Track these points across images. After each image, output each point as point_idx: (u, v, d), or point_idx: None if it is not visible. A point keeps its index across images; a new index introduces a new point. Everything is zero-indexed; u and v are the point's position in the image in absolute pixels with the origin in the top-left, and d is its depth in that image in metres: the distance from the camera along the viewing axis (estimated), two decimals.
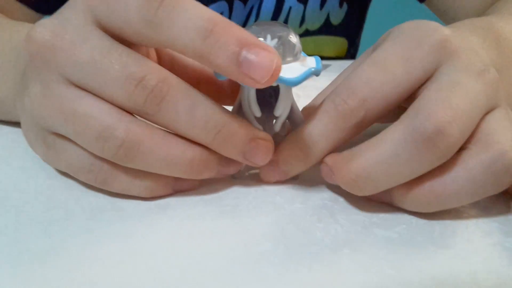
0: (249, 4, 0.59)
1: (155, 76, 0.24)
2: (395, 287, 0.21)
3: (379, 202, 0.27)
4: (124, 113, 0.24)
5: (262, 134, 0.27)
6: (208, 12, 0.23)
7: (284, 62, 0.25)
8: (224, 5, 0.58)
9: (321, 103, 0.27)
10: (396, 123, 0.24)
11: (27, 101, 0.26)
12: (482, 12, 0.50)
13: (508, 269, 0.22)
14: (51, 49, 0.24)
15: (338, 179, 0.26)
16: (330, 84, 0.33)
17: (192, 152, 0.25)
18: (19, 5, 0.53)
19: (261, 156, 0.26)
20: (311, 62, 0.27)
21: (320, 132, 0.26)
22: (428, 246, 0.24)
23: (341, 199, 0.28)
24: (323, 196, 0.28)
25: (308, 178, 0.30)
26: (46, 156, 0.28)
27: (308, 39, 0.60)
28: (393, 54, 0.26)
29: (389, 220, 0.26)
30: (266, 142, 0.27)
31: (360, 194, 0.25)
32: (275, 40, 0.25)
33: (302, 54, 0.27)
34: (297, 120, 0.29)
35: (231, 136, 0.25)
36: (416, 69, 0.25)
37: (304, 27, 0.60)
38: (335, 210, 0.27)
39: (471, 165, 0.24)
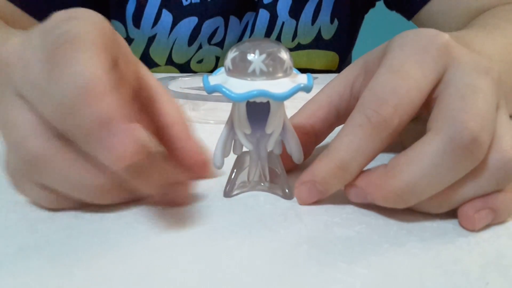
0: (244, 20, 0.62)
1: None
2: (344, 278, 0.23)
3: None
4: (48, 131, 0.25)
5: (182, 178, 0.28)
6: (88, 74, 0.23)
7: (274, 77, 0.26)
8: (220, 20, 0.61)
9: (350, 118, 0.27)
10: (429, 135, 0.25)
11: None
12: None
13: (454, 265, 0.24)
14: (9, 66, 0.26)
15: (377, 197, 0.26)
16: (318, 94, 0.33)
17: (103, 179, 0.26)
18: (31, 19, 0.56)
19: (177, 199, 0.28)
20: (302, 78, 0.27)
21: (357, 147, 0.26)
22: (382, 244, 0.26)
23: None
24: (293, 200, 0.30)
25: None
26: None
27: (301, 52, 0.63)
28: (408, 60, 0.26)
29: (350, 220, 0.28)
30: (183, 187, 0.28)
31: (403, 207, 0.26)
32: (263, 56, 0.26)
33: (295, 71, 0.28)
34: (290, 139, 0.30)
35: (150, 177, 0.26)
36: (430, 72, 0.26)
37: (296, 41, 0.62)
38: (302, 211, 0.29)
39: (481, 176, 0.26)
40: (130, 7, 0.61)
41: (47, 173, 0.25)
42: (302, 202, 0.29)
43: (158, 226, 0.27)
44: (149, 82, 0.29)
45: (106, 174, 0.26)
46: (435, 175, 0.25)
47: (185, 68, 0.64)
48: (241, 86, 0.26)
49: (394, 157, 0.26)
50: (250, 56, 0.26)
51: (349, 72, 0.32)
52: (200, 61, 0.63)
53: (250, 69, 0.26)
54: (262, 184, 0.31)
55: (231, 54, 0.27)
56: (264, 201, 0.30)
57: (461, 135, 0.24)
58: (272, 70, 0.26)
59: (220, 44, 0.63)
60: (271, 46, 0.27)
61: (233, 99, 0.26)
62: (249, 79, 0.26)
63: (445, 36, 0.27)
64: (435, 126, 0.25)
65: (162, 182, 0.27)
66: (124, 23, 0.62)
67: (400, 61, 0.27)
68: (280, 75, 0.26)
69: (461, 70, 0.26)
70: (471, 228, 0.27)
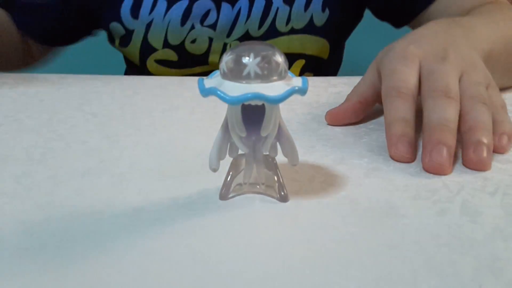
0: (236, 6, 0.65)
1: None
2: (338, 280, 0.23)
3: None
4: None
5: None
6: None
7: (269, 80, 0.26)
8: (210, 4, 0.65)
9: (385, 102, 0.38)
10: (426, 102, 0.38)
11: None
12: None
13: (448, 267, 0.24)
14: None
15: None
16: (364, 78, 0.44)
17: None
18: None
19: None
20: (297, 81, 0.27)
21: (400, 109, 0.37)
22: (377, 246, 0.26)
23: (305, 204, 0.30)
24: (288, 203, 0.30)
25: None
26: None
27: (294, 36, 0.66)
28: (397, 65, 0.40)
29: (345, 223, 0.28)
30: None
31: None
32: (258, 59, 0.26)
33: (290, 74, 0.28)
34: (285, 142, 0.30)
35: None
36: (413, 67, 0.39)
37: (290, 25, 0.66)
38: (297, 213, 0.29)
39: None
40: (127, 3, 0.66)
41: None
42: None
43: (154, 229, 0.27)
44: None
45: None
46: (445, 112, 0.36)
47: (180, 50, 0.67)
48: (236, 89, 0.26)
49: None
50: (245, 59, 0.26)
51: (372, 68, 0.43)
52: (193, 41, 0.67)
53: (245, 72, 0.26)
54: (258, 186, 0.31)
55: (226, 57, 0.27)
56: (259, 203, 0.30)
57: (438, 88, 0.37)
58: (267, 73, 0.26)
59: (213, 26, 0.66)
60: (266, 49, 0.27)
61: (228, 102, 0.26)
62: (244, 82, 0.26)
63: (410, 47, 0.40)
64: (425, 97, 0.38)
65: None
66: (119, 21, 0.66)
67: (393, 67, 0.40)
68: (275, 78, 0.27)
69: (426, 64, 0.39)
70: (484, 167, 0.34)
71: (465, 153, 0.35)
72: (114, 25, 0.67)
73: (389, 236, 0.27)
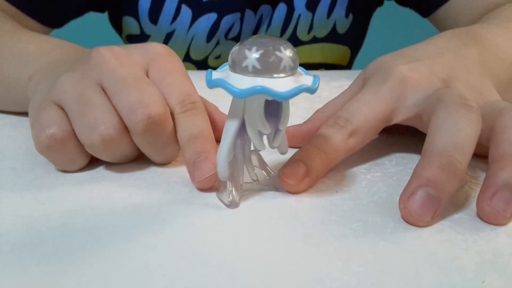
0: (259, 13, 0.62)
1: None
2: (340, 276, 0.23)
3: None
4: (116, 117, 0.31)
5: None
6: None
7: (269, 75, 0.26)
8: (237, 16, 0.61)
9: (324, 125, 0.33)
10: (438, 115, 0.30)
11: (61, 78, 0.32)
12: None
13: (451, 263, 0.24)
14: (105, 60, 0.32)
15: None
16: (330, 102, 0.39)
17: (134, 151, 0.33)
18: (30, 20, 0.57)
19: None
20: (307, 80, 0.26)
21: (332, 139, 0.32)
22: (379, 241, 0.26)
23: (306, 199, 0.30)
24: (289, 197, 0.30)
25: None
26: (31, 114, 0.34)
27: (316, 45, 0.64)
28: (367, 91, 0.34)
29: (347, 217, 0.28)
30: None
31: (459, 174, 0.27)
32: (259, 53, 0.25)
33: (302, 71, 0.27)
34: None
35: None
36: (386, 97, 0.33)
37: (312, 34, 0.63)
38: (298, 208, 0.29)
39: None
40: (145, 3, 0.60)
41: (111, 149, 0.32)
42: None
43: (153, 224, 0.27)
44: None
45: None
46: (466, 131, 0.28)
47: (202, 65, 0.64)
48: (241, 82, 0.25)
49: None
50: (247, 52, 0.26)
51: (354, 87, 0.38)
52: (218, 57, 0.63)
53: (244, 64, 0.26)
54: (251, 183, 0.31)
55: (233, 49, 0.26)
56: (259, 198, 0.30)
57: (455, 100, 0.29)
58: (266, 67, 0.25)
59: (236, 39, 0.62)
60: (272, 43, 0.26)
61: (235, 95, 0.25)
62: (250, 75, 0.26)
63: (402, 70, 0.33)
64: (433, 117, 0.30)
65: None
66: (137, 19, 0.61)
67: (362, 93, 0.34)
68: (277, 73, 0.26)
69: (415, 93, 0.33)
70: (500, 221, 0.27)
71: (480, 197, 0.28)
72: (129, 20, 0.62)
73: (391, 231, 0.27)
